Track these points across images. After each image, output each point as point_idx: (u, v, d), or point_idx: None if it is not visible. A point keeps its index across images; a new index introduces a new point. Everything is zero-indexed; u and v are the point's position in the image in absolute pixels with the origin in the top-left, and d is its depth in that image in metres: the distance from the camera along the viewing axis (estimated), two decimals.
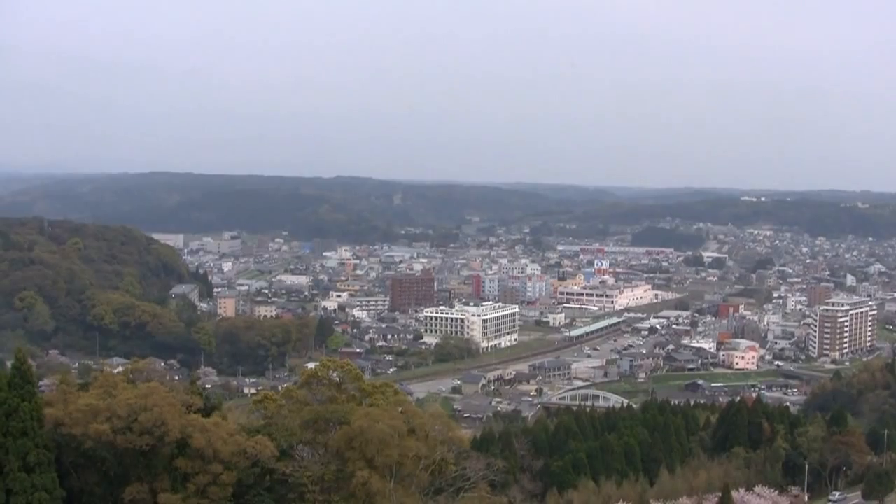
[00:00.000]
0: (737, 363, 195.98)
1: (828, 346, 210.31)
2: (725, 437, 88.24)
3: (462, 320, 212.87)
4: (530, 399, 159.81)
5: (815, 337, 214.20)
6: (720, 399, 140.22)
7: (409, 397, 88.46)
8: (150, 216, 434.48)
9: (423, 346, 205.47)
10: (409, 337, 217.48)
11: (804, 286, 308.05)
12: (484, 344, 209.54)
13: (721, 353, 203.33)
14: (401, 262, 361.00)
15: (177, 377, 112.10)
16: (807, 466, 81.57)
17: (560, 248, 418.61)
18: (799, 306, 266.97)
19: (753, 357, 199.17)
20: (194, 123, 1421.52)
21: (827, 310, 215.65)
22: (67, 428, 40.73)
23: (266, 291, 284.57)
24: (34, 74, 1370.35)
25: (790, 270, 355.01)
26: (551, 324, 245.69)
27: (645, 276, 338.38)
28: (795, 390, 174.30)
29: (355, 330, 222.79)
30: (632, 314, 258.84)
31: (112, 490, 42.20)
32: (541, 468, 78.36)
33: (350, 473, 43.22)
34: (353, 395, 48.62)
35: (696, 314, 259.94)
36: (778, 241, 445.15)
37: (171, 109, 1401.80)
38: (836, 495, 78.56)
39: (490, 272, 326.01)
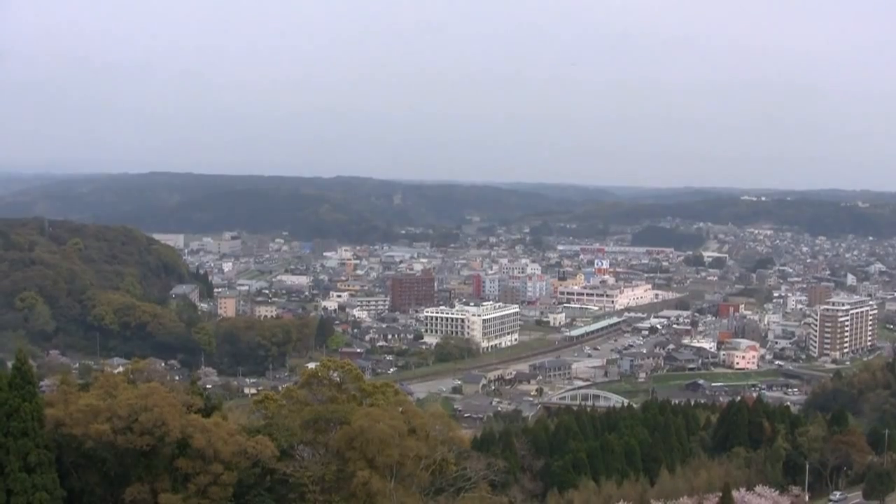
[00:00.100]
0: (737, 363, 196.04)
1: (828, 346, 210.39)
2: (726, 436, 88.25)
3: (462, 320, 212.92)
4: (531, 399, 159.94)
5: (815, 336, 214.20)
6: (721, 399, 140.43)
7: (409, 397, 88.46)
8: (150, 216, 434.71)
9: (424, 346, 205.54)
10: (410, 337, 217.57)
11: (804, 286, 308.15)
12: (484, 344, 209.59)
13: (721, 352, 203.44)
14: (401, 261, 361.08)
15: (177, 377, 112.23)
16: (807, 466, 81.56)
17: (560, 247, 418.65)
18: (799, 306, 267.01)
19: (754, 357, 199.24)
20: (194, 124, 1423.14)
21: (827, 309, 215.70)
22: (68, 428, 40.70)
23: (266, 291, 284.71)
24: (34, 75, 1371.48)
25: (790, 270, 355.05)
26: (552, 323, 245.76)
27: (645, 275, 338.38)
28: (796, 390, 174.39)
29: (356, 330, 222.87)
30: (632, 314, 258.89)
31: (113, 490, 42.17)
32: (541, 468, 78.37)
33: (351, 473, 43.21)
34: (354, 395, 48.59)
35: (697, 314, 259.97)
36: (778, 240, 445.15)
37: (171, 110, 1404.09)
38: (837, 495, 78.55)
39: (490, 272, 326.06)
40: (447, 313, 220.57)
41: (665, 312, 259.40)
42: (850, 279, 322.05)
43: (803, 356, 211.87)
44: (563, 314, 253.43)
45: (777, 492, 73.00)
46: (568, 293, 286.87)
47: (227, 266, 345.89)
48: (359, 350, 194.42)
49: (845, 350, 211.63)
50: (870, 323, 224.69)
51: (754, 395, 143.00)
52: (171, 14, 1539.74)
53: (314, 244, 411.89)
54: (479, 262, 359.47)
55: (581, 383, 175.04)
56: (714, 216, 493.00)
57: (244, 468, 42.74)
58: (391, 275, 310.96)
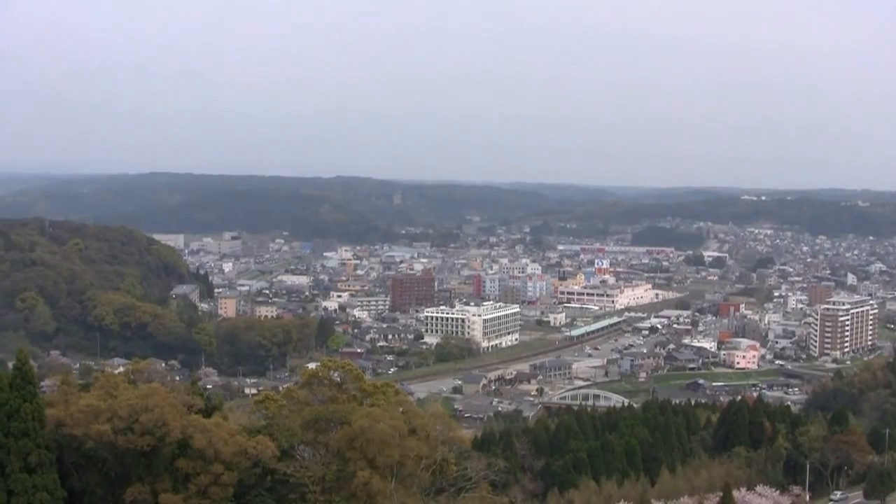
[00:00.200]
0: (738, 362, 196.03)
1: (829, 345, 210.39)
2: (726, 436, 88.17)
3: (463, 320, 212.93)
4: (531, 399, 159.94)
5: (815, 336, 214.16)
6: (721, 398, 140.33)
7: (409, 397, 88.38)
8: (150, 217, 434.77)
9: (424, 346, 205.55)
10: (410, 337, 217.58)
11: (805, 285, 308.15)
12: (485, 344, 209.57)
13: (722, 352, 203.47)
14: (401, 261, 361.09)
15: (178, 377, 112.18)
16: (808, 466, 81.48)
17: (560, 247, 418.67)
18: (800, 305, 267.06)
19: (754, 356, 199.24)
20: (194, 124, 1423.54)
21: (828, 309, 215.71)
22: (69, 428, 40.73)
23: (267, 292, 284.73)
24: (35, 76, 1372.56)
25: (791, 269, 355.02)
26: (552, 323, 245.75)
27: (645, 275, 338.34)
28: (796, 389, 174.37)
29: (356, 330, 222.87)
30: (632, 314, 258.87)
31: (113, 491, 42.18)
32: (542, 468, 78.33)
33: (351, 473, 43.23)
34: (354, 395, 48.58)
35: (697, 313, 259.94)
36: (778, 239, 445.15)
37: (172, 110, 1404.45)
38: (838, 495, 78.45)
39: (490, 272, 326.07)
40: (447, 313, 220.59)
41: (665, 312, 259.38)
42: (851, 279, 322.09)
43: (804, 356, 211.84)
44: (564, 314, 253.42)
45: (778, 491, 72.97)
46: (568, 293, 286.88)
47: (228, 266, 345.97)
48: (359, 350, 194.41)
49: (846, 349, 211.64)
50: (870, 322, 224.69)
51: (755, 394, 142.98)
52: (171, 14, 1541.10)
53: (314, 244, 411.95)
54: (479, 262, 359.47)
55: (581, 383, 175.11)
56: (714, 216, 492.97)
57: (245, 468, 42.75)
58: (391, 275, 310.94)
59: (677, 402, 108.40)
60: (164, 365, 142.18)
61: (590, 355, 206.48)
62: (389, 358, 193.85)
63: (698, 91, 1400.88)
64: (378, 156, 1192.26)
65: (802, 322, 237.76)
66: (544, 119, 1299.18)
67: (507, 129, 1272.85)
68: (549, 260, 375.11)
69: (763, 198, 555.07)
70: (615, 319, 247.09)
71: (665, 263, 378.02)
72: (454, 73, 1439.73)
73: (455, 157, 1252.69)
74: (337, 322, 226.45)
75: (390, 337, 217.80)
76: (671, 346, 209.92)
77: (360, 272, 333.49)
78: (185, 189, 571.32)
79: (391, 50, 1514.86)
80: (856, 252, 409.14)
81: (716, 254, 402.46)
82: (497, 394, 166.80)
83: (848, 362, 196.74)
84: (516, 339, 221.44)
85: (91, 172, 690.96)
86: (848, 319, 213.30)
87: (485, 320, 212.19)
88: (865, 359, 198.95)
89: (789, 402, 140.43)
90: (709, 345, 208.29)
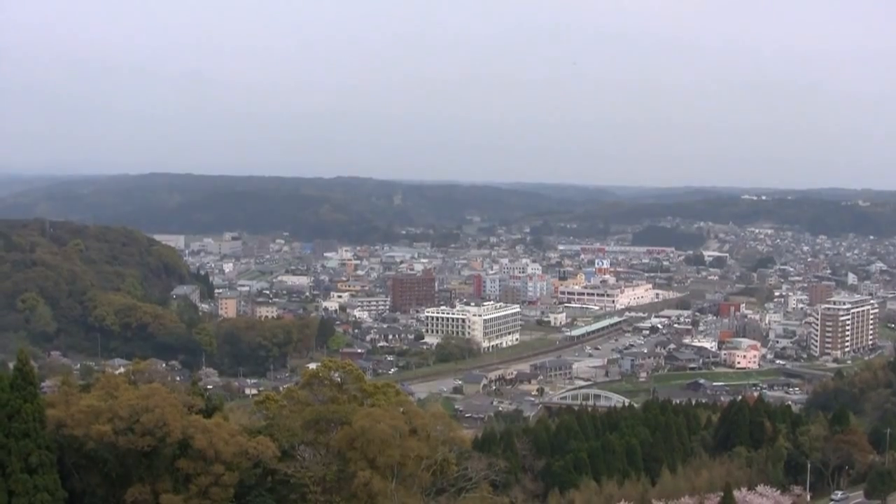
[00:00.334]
0: (738, 362, 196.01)
1: (829, 345, 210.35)
2: (727, 436, 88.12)
3: (463, 320, 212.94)
4: (532, 399, 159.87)
5: (816, 335, 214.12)
6: (722, 398, 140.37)
7: (410, 397, 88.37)
8: (150, 217, 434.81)
9: (425, 347, 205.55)
10: (411, 337, 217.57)
11: (805, 285, 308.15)
12: (485, 344, 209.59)
13: (722, 352, 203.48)
14: (402, 262, 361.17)
15: (178, 378, 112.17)
16: (809, 465, 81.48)
17: (561, 247, 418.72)
18: (800, 305, 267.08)
19: (755, 356, 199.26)
20: (194, 124, 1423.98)
21: (828, 308, 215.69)
22: (69, 429, 40.75)
23: (267, 292, 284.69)
24: (35, 77, 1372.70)
25: (791, 269, 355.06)
26: (552, 323, 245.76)
27: (646, 275, 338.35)
28: (797, 389, 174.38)
29: (356, 330, 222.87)
30: (633, 313, 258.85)
31: (114, 491, 42.20)
32: (542, 468, 78.32)
33: (352, 474, 43.25)
34: (355, 395, 48.61)
35: (698, 313, 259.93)
36: (779, 239, 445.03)
37: (172, 111, 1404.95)
38: (839, 494, 78.44)
39: (491, 272, 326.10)
40: (448, 313, 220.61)
41: (666, 312, 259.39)
42: (851, 278, 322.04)
43: (804, 355, 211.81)
44: (564, 314, 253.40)
45: (778, 491, 72.98)
46: (569, 293, 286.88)
47: (228, 267, 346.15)
48: (359, 350, 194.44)
49: (846, 349, 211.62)
50: (871, 322, 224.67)
51: (755, 394, 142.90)
52: (171, 15, 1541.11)
53: (315, 245, 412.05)
54: (479, 262, 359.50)
55: (582, 383, 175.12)
56: (714, 215, 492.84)
57: (245, 469, 42.79)
58: (392, 275, 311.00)
59: (678, 401, 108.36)
60: (164, 365, 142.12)
61: (590, 355, 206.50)
62: (390, 358, 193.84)
63: (698, 91, 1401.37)
64: (378, 156, 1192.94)
65: (803, 322, 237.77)
66: (544, 119, 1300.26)
67: (508, 129, 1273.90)
68: (550, 260, 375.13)
69: (763, 197, 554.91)
70: (616, 319, 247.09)
71: (665, 263, 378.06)
72: (454, 74, 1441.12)
73: (455, 158, 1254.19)
74: (337, 322, 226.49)
75: (391, 337, 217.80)
76: (672, 345, 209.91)
77: (360, 272, 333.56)
78: (185, 190, 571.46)
79: (391, 50, 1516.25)
80: (856, 251, 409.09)
81: (716, 253, 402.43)
82: (497, 394, 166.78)
83: (849, 362, 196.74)
84: (517, 340, 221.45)
85: (91, 173, 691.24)
86: (848, 319, 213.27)
87: (485, 320, 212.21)
88: (866, 358, 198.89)
89: (790, 402, 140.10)
90: (709, 345, 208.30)
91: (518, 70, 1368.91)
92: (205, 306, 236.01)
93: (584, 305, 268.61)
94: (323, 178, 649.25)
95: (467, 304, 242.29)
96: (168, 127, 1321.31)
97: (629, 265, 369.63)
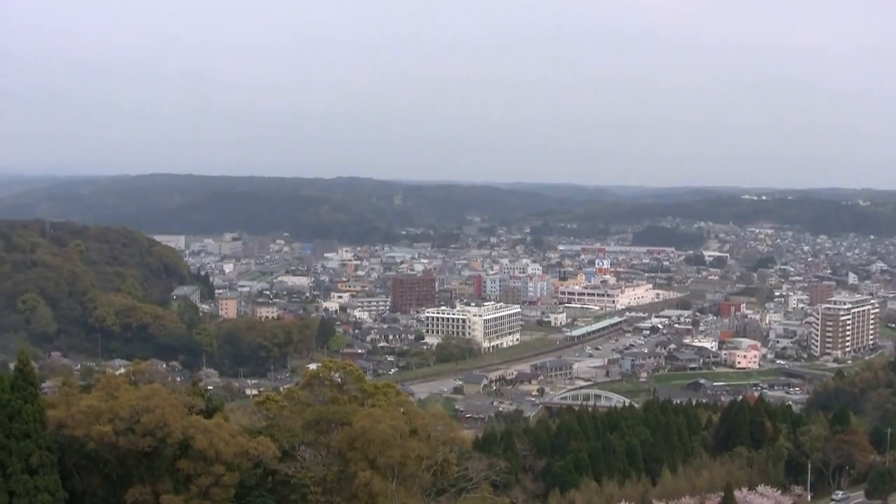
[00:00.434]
0: (739, 362, 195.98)
1: (830, 345, 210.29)
2: (728, 436, 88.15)
3: (463, 320, 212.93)
4: (532, 399, 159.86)
5: (817, 335, 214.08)
6: (722, 398, 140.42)
7: (410, 398, 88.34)
8: (151, 218, 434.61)
9: (425, 347, 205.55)
10: (411, 337, 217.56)
11: (806, 284, 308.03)
12: (485, 344, 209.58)
13: (723, 352, 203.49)
14: (402, 262, 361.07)
15: (178, 378, 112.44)
16: (809, 465, 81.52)
17: (561, 247, 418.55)
18: (801, 305, 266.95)
19: (755, 356, 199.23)
20: (195, 125, 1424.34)
21: (829, 308, 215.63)
22: (70, 430, 40.76)
23: (267, 292, 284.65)
24: (36, 77, 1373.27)
25: (792, 269, 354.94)
26: (553, 323, 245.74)
27: (646, 275, 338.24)
28: (798, 389, 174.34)
29: (357, 331, 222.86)
30: (633, 313, 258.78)
31: (114, 492, 42.20)
32: (543, 468, 78.35)
33: (352, 474, 43.25)
34: (355, 395, 48.60)
35: (698, 313, 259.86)
36: (779, 239, 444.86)
37: (172, 111, 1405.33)
38: (840, 494, 78.49)
39: (491, 272, 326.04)
40: (448, 314, 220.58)
41: (666, 312, 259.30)
42: (852, 278, 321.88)
43: (805, 355, 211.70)
44: (564, 314, 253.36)
45: (779, 491, 73.06)
46: (569, 293, 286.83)
47: (228, 267, 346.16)
48: (360, 351, 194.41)
49: (847, 349, 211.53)
50: (871, 322, 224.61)
51: (756, 394, 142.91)
52: (171, 15, 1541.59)
53: (315, 245, 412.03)
54: (479, 263, 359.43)
55: (582, 383, 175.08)
56: (715, 215, 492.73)
57: (246, 469, 42.78)
58: (392, 275, 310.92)
59: (678, 401, 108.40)
60: (165, 366, 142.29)
61: (591, 355, 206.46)
62: (390, 358, 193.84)
63: (698, 90, 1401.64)
64: (378, 156, 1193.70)
65: (803, 322, 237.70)
66: (544, 119, 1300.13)
67: (507, 128, 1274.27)
68: (550, 260, 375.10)
69: (764, 197, 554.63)
70: (616, 319, 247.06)
71: (666, 263, 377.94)
72: (454, 73, 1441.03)
73: (455, 158, 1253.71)
74: (338, 323, 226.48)
75: (391, 337, 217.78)
76: (672, 345, 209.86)
77: (360, 273, 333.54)
78: (185, 190, 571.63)
79: (391, 50, 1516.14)
80: (857, 251, 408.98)
81: (716, 253, 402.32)
82: (498, 394, 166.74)
83: (849, 362, 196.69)
84: (517, 340, 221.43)
85: (92, 174, 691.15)
86: (849, 319, 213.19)
87: (485, 321, 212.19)
88: (867, 358, 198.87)
89: (790, 402, 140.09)
90: (710, 345, 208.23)
91: (518, 70, 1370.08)
92: (205, 307, 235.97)
93: (585, 305, 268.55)
94: (323, 179, 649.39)
95: (468, 304, 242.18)
96: (168, 127, 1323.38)
97: (629, 265, 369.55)
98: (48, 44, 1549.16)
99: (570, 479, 75.50)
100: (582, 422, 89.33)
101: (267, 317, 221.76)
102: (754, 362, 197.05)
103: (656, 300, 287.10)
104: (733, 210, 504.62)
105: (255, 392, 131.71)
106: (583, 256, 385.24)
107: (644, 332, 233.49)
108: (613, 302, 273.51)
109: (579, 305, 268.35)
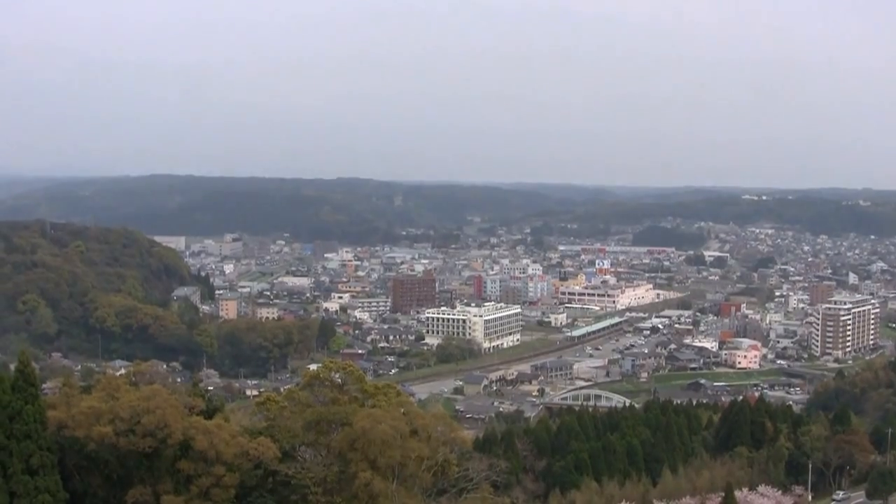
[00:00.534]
0: (739, 362, 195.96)
1: (830, 345, 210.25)
2: (728, 436, 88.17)
3: (464, 321, 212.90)
4: (532, 399, 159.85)
5: (817, 335, 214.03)
6: (723, 398, 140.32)
7: (411, 398, 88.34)
8: (151, 219, 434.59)
9: (425, 347, 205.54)
10: (411, 338, 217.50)
11: (806, 284, 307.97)
12: (486, 344, 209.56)
13: (723, 352, 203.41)
14: (402, 263, 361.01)
15: (179, 379, 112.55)
16: (810, 465, 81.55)
17: (561, 247, 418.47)
18: (801, 305, 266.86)
19: (756, 356, 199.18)
20: (195, 126, 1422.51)
21: (829, 308, 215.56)
22: (70, 430, 40.75)
23: (268, 293, 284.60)
24: (36, 78, 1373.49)
25: (792, 269, 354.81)
26: (553, 324, 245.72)
27: (646, 275, 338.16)
28: (798, 389, 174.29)
29: (357, 331, 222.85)
30: (633, 314, 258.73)
31: (115, 492, 42.19)
32: (543, 468, 78.35)
33: (352, 475, 43.23)
34: (356, 396, 48.57)
35: (698, 313, 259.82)
36: (779, 239, 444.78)
37: (172, 112, 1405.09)
38: (840, 494, 78.51)
39: (491, 272, 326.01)
40: (448, 314, 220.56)
41: (666, 312, 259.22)
42: (852, 278, 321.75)
43: (805, 355, 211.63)
44: (565, 314, 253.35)
45: (780, 491, 73.04)
46: (569, 293, 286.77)
47: (229, 268, 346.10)
48: (360, 351, 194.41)
49: (847, 349, 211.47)
50: (872, 322, 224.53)
51: (756, 394, 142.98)
52: (172, 16, 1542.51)
53: (315, 246, 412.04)
54: (480, 263, 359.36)
55: (583, 383, 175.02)
56: (715, 215, 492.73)
57: (246, 470, 42.76)
58: (392, 276, 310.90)
59: (679, 402, 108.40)
60: (165, 367, 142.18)
61: (591, 356, 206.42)
62: (390, 359, 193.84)
63: (698, 90, 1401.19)
64: (379, 157, 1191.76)
65: (804, 322, 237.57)
66: (544, 119, 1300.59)
67: (508, 129, 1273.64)
68: (550, 260, 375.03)
69: (764, 197, 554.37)
70: (616, 320, 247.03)
71: (666, 263, 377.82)
72: (455, 74, 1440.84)
73: (456, 158, 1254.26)
74: (338, 323, 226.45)
75: (391, 338, 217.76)
76: (672, 346, 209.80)
77: (360, 273, 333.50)
78: (186, 191, 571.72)
79: (392, 51, 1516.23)
80: (857, 251, 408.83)
81: (717, 253, 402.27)
82: (498, 394, 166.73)
83: (850, 362, 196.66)
84: (517, 340, 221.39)
85: (92, 175, 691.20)
86: (849, 319, 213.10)
87: (486, 321, 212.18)
88: (867, 358, 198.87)
89: (791, 402, 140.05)
90: (710, 345, 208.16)
91: (518, 70, 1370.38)
92: (205, 308, 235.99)
93: (585, 306, 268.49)
94: (323, 179, 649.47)
95: (468, 304, 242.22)
96: (169, 128, 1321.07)
97: (630, 265, 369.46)
98: (48, 43, 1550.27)
99: (570, 480, 75.52)
100: (582, 422, 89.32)
101: (267, 317, 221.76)
102: (755, 362, 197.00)
103: (656, 300, 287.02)
104: (733, 210, 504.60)
105: (255, 393, 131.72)
106: (583, 257, 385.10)
107: (644, 332, 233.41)
108: (614, 302, 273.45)
109: (579, 306, 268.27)
